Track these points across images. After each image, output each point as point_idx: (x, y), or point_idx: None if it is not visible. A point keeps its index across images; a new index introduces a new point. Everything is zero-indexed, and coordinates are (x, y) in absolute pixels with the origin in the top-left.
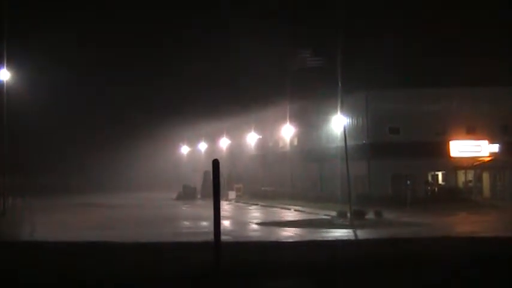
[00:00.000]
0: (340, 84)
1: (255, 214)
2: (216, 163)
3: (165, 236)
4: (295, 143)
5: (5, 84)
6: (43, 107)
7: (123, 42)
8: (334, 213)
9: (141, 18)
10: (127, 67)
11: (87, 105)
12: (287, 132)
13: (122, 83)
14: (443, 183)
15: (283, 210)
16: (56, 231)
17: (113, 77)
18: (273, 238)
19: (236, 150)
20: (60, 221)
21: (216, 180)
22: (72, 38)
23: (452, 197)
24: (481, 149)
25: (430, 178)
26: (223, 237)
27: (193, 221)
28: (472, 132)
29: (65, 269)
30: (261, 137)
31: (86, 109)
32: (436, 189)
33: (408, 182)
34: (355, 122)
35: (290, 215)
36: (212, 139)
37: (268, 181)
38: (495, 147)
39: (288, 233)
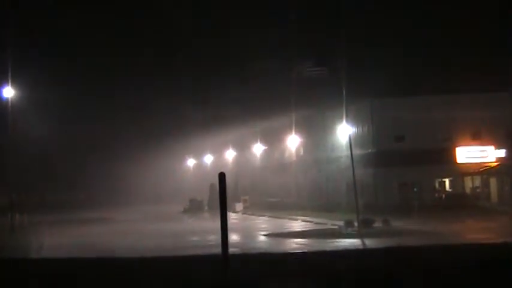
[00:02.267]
0: (344, 94)
1: (262, 225)
2: (222, 176)
3: (172, 250)
4: (301, 153)
5: (9, 102)
6: (46, 123)
7: (128, 52)
8: (341, 223)
9: (147, 25)
10: (134, 80)
11: (92, 120)
12: (293, 142)
13: (129, 96)
14: (450, 189)
15: (290, 221)
16: (64, 247)
17: (119, 89)
18: (281, 250)
19: (242, 162)
20: (68, 237)
21: (222, 193)
22: (73, 49)
23: (460, 204)
24: (488, 154)
25: (437, 185)
26: (231, 250)
27: (200, 234)
28: (478, 138)
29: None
30: (266, 147)
31: (92, 124)
32: (444, 196)
33: (415, 190)
34: (361, 130)
35: (298, 225)
36: (218, 151)
37: (275, 192)
38: (502, 153)
39: (296, 244)
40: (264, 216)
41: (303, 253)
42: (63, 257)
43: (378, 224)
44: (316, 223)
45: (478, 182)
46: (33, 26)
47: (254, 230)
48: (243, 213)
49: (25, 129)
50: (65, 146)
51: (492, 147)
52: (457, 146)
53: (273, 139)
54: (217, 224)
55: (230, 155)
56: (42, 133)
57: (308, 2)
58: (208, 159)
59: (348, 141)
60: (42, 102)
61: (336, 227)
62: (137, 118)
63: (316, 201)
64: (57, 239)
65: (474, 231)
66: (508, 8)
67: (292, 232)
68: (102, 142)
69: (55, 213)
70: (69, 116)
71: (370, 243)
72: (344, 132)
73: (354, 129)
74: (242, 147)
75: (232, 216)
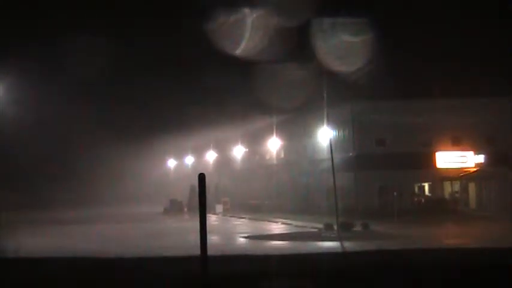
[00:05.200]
0: (325, 97)
1: (242, 227)
2: (201, 177)
3: (150, 251)
4: (282, 155)
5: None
6: (32, 124)
7: (113, 57)
8: (321, 226)
9: (133, 31)
10: (116, 82)
11: (73, 120)
12: (274, 145)
13: (109, 97)
14: (429, 194)
15: (270, 223)
16: (43, 246)
17: (100, 91)
18: (260, 252)
19: (223, 164)
20: (48, 236)
21: (202, 195)
22: (62, 52)
23: (439, 208)
24: (467, 159)
25: (416, 189)
26: (210, 251)
27: (179, 235)
28: (458, 143)
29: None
30: (247, 150)
31: (72, 124)
32: (423, 200)
33: (395, 194)
34: (342, 134)
35: (277, 228)
36: (199, 152)
37: (256, 194)
38: (481, 158)
39: (275, 247)
40: (244, 218)
41: (281, 255)
42: (35, 256)
43: (357, 228)
44: (296, 226)
45: (457, 187)
46: None
47: (233, 232)
48: (223, 215)
49: (9, 128)
50: (46, 145)
51: (471, 153)
52: (436, 151)
53: (254, 141)
54: (196, 224)
55: (211, 156)
56: (26, 132)
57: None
58: (189, 160)
59: (329, 145)
60: (21, 100)
61: (315, 230)
62: (118, 119)
63: (296, 204)
64: (29, 238)
65: (452, 236)
66: (488, 17)
67: (272, 235)
68: (81, 142)
69: (33, 212)
70: (50, 114)
71: (348, 246)
72: (325, 135)
73: (335, 133)
74: (223, 149)
75: (212, 218)
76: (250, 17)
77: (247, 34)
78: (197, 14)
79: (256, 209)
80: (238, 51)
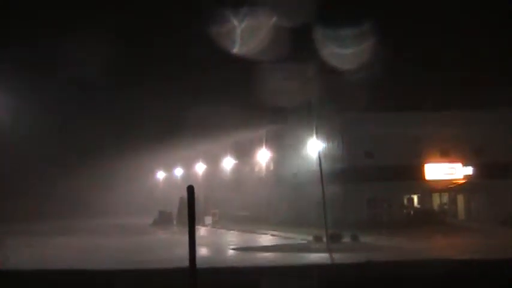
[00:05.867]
0: (315, 109)
1: (231, 239)
2: (190, 189)
3: (139, 263)
4: (271, 167)
5: None
6: (18, 132)
7: (97, 63)
8: (310, 238)
9: (121, 35)
10: (104, 90)
11: (60, 129)
12: (263, 157)
13: (97, 106)
14: (418, 206)
15: (260, 235)
16: (29, 258)
17: (88, 100)
18: (249, 264)
19: (212, 175)
20: (35, 247)
21: (191, 207)
22: (45, 60)
23: (428, 220)
24: (455, 171)
25: (405, 201)
26: (198, 264)
27: (168, 248)
28: (446, 155)
29: None
30: (237, 161)
31: (59, 134)
32: (412, 212)
33: (384, 206)
34: (331, 146)
35: (267, 239)
36: (188, 164)
37: (245, 206)
38: (469, 170)
39: (264, 259)
40: (233, 230)
41: (270, 267)
42: (20, 268)
43: (346, 240)
44: (285, 238)
45: (445, 198)
46: None
47: (222, 244)
48: (212, 227)
49: None
50: (31, 155)
51: (460, 165)
52: (425, 163)
53: (244, 153)
54: (185, 237)
55: (200, 168)
56: (7, 141)
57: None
58: (179, 172)
59: (318, 157)
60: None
61: (304, 241)
62: (106, 130)
63: (285, 215)
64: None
65: (441, 248)
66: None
67: (261, 247)
68: (69, 154)
69: (16, 224)
70: (37, 122)
71: (337, 257)
72: (314, 147)
73: (324, 145)
74: (213, 160)
75: (201, 230)
76: (245, 18)
77: (238, 36)
78: (191, 15)
79: (246, 221)
80: (234, 50)
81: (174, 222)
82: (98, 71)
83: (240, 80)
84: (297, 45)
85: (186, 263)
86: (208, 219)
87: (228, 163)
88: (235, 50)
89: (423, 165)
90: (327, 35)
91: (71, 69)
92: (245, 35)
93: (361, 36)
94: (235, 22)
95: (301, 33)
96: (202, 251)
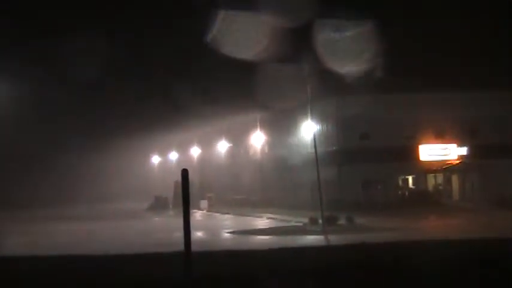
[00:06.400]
0: (309, 91)
1: (227, 223)
2: (185, 173)
3: (134, 247)
4: (266, 150)
5: None
6: (12, 120)
7: (95, 52)
8: (306, 220)
9: (126, 28)
10: (98, 75)
11: (54, 115)
12: (258, 139)
13: (92, 93)
14: (413, 187)
15: (255, 219)
16: (23, 245)
17: (83, 86)
18: (244, 247)
19: (207, 159)
20: (29, 234)
21: (185, 191)
22: (41, 49)
23: (423, 201)
24: (450, 152)
25: (400, 182)
26: (194, 247)
27: (163, 232)
28: (441, 136)
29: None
30: (232, 145)
31: (53, 120)
32: (407, 193)
33: (379, 187)
34: (326, 128)
35: (262, 223)
36: (183, 148)
37: (240, 189)
38: (463, 150)
39: (260, 241)
40: (228, 213)
41: (267, 250)
42: (14, 254)
43: (342, 221)
44: (281, 220)
45: (440, 179)
46: None
47: (218, 228)
48: (208, 211)
49: None
50: (26, 141)
51: (454, 145)
52: (420, 144)
53: (238, 136)
54: (180, 220)
55: (195, 152)
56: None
57: None
58: (174, 156)
59: (313, 139)
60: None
61: (300, 224)
62: (101, 115)
63: (281, 198)
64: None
65: (435, 228)
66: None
67: (256, 230)
68: (63, 139)
69: (13, 210)
70: (31, 111)
71: (333, 239)
72: (309, 130)
73: (319, 127)
74: (208, 144)
75: (196, 214)
76: (247, 16)
77: (243, 33)
78: (192, 12)
79: (241, 204)
80: (233, 49)
81: (170, 206)
82: (98, 62)
83: (235, 66)
84: (293, 36)
85: (180, 246)
86: (204, 203)
87: (223, 147)
88: (232, 42)
89: (418, 146)
90: (326, 24)
91: (68, 59)
92: (240, 26)
93: (357, 24)
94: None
95: (298, 28)
96: (197, 235)
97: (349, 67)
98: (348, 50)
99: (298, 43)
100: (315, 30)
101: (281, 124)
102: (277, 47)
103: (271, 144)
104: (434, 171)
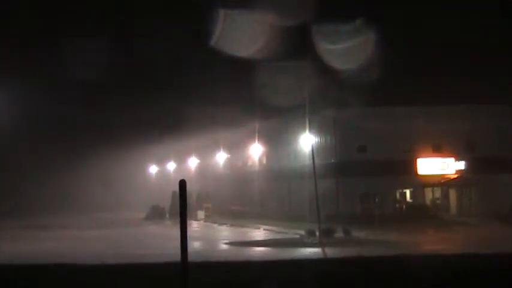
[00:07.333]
0: (307, 104)
1: (224, 234)
2: (182, 183)
3: (131, 257)
4: (264, 162)
5: None
6: (9, 127)
7: (94, 61)
8: (303, 232)
9: (124, 31)
10: (96, 85)
11: (51, 125)
12: (256, 151)
13: (89, 101)
14: (411, 200)
15: (252, 230)
16: (18, 253)
17: (80, 95)
18: (241, 258)
19: (205, 170)
20: (24, 242)
21: (182, 201)
22: (33, 57)
23: (420, 215)
24: (448, 166)
25: (398, 196)
26: (191, 258)
27: (161, 241)
28: (439, 150)
29: None
30: (229, 156)
31: (50, 129)
32: (404, 206)
33: (376, 200)
34: (324, 141)
35: (259, 234)
36: (181, 159)
37: (238, 200)
38: (461, 165)
39: (257, 253)
40: (225, 224)
41: (263, 262)
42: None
43: (338, 234)
44: (278, 232)
45: (438, 193)
46: None
47: (215, 239)
48: (205, 221)
49: None
50: (24, 149)
51: (452, 159)
52: (418, 158)
53: (236, 148)
54: (177, 231)
55: (193, 162)
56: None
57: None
58: (171, 166)
59: (311, 152)
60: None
61: (297, 236)
62: (99, 125)
63: (279, 210)
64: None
65: (432, 243)
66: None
67: (253, 241)
68: (61, 150)
69: (10, 219)
70: (29, 118)
71: (329, 252)
72: (307, 142)
73: (316, 139)
74: (205, 155)
75: (193, 224)
76: (244, 17)
77: (243, 34)
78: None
79: (238, 215)
80: (233, 50)
81: (167, 216)
82: (93, 70)
83: (234, 77)
84: (292, 42)
85: (177, 257)
86: (201, 214)
87: (221, 158)
88: (230, 46)
89: (416, 160)
90: (323, 33)
91: (68, 68)
92: (240, 32)
93: (356, 34)
94: (228, 19)
95: (296, 31)
96: (194, 246)
97: (347, 75)
98: (346, 59)
99: (296, 51)
100: (313, 37)
101: (279, 136)
102: (275, 52)
103: (269, 155)
104: (432, 185)
